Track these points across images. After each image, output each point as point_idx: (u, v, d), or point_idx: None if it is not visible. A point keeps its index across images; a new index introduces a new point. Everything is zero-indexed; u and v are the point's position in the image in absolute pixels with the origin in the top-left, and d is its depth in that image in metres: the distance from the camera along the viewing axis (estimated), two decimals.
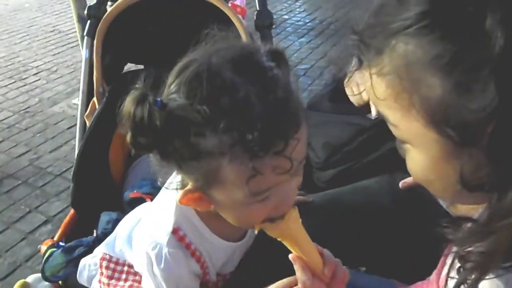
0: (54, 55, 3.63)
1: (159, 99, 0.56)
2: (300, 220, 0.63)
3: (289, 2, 4.66)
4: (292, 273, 0.63)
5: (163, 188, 0.71)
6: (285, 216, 0.62)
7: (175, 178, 0.68)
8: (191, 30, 1.22)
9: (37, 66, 3.42)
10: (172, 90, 0.58)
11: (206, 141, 0.54)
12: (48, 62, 3.50)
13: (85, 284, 0.84)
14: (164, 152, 0.58)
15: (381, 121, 1.07)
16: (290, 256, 0.63)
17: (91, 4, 1.27)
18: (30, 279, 0.86)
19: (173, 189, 0.67)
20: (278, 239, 0.63)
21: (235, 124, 0.53)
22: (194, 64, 0.57)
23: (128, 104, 0.57)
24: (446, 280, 0.44)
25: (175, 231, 0.69)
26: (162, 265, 0.67)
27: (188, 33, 1.22)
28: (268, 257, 0.75)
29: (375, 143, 1.05)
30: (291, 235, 0.62)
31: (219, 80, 0.55)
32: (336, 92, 1.16)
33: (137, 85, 0.59)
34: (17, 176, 2.20)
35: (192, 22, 1.22)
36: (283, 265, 0.65)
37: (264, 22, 1.17)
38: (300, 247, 0.62)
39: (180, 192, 0.64)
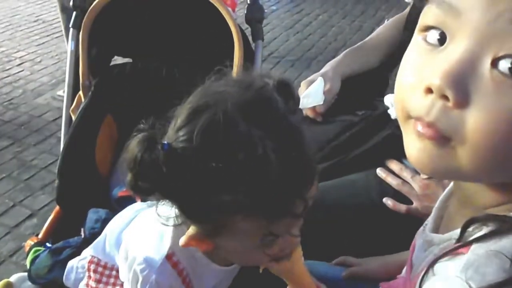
0: (38, 45, 3.55)
1: (166, 143, 0.52)
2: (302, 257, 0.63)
3: None
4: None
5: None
6: (291, 256, 0.61)
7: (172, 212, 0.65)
8: (180, 22, 1.21)
9: (21, 57, 3.34)
10: (182, 137, 0.53)
11: (220, 198, 0.52)
12: (32, 52, 3.42)
13: (71, 287, 0.83)
14: (168, 197, 0.56)
15: (368, 116, 1.08)
16: None
17: None
18: (13, 278, 0.84)
19: (170, 226, 0.64)
20: (280, 276, 0.63)
21: (253, 184, 0.51)
22: (207, 111, 0.53)
23: (134, 147, 0.53)
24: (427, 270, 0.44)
25: (169, 257, 0.66)
26: None
27: (177, 26, 1.21)
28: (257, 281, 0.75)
29: (362, 138, 1.05)
30: (293, 272, 0.62)
31: (236, 133, 0.51)
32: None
33: (142, 126, 0.55)
34: (0, 170, 2.15)
35: (181, 14, 1.20)
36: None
37: (255, 16, 1.16)
38: (299, 283, 0.63)
39: (184, 238, 0.62)
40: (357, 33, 3.73)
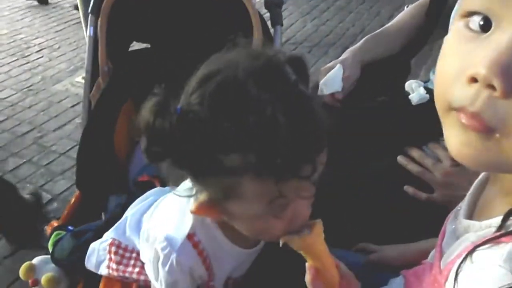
0: (56, 32, 3.59)
1: (178, 107, 0.53)
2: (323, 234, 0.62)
3: None
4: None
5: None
6: (311, 230, 0.60)
7: (186, 184, 0.66)
8: (198, 7, 1.20)
9: (40, 44, 3.38)
10: (194, 101, 0.54)
11: (229, 159, 0.53)
12: (51, 39, 3.46)
13: (93, 269, 0.84)
14: (180, 163, 0.56)
15: (388, 102, 1.06)
16: (306, 265, 0.62)
17: None
18: (36, 260, 0.86)
19: (184, 197, 0.65)
20: (300, 252, 0.62)
21: (262, 145, 0.51)
22: (219, 75, 0.54)
23: (146, 112, 0.54)
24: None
25: (190, 237, 0.67)
26: (166, 268, 0.67)
27: (195, 10, 1.20)
28: (277, 262, 0.75)
29: (382, 125, 1.04)
30: (314, 248, 0.61)
31: (246, 95, 0.52)
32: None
33: (156, 91, 0.56)
34: (21, 155, 2.19)
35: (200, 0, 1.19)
36: (293, 270, 0.65)
37: (275, 1, 1.14)
38: (320, 260, 0.61)
39: (194, 204, 0.62)
40: (375, 19, 3.67)
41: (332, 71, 1.06)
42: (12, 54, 3.20)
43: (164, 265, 0.67)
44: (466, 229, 0.49)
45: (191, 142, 0.53)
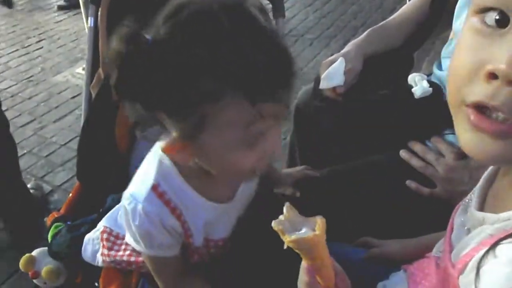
0: (56, 22, 3.56)
1: (150, 37, 0.54)
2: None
3: None
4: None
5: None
6: (317, 227, 0.57)
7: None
8: None
9: (39, 34, 3.36)
10: (165, 30, 0.54)
11: (205, 84, 0.53)
12: (50, 30, 3.44)
13: (89, 260, 0.84)
14: (152, 99, 0.56)
15: (390, 96, 1.06)
16: (303, 265, 0.60)
17: None
18: (35, 253, 0.86)
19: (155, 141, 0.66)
20: (300, 251, 0.58)
21: (238, 69, 0.52)
22: (191, 7, 0.54)
23: (117, 42, 0.54)
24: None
25: (154, 188, 0.67)
26: (137, 221, 0.67)
27: None
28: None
29: (384, 118, 1.03)
30: (318, 246, 0.57)
31: (219, 25, 0.52)
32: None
33: (126, 22, 0.56)
34: (21, 146, 2.19)
35: None
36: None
37: None
38: (321, 259, 0.58)
39: (165, 142, 0.62)
40: (377, 11, 3.64)
41: (334, 64, 1.05)
42: (12, 45, 3.18)
43: (134, 219, 0.67)
44: (480, 222, 0.48)
45: (164, 71, 0.53)
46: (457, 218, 0.54)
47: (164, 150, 0.63)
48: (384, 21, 1.18)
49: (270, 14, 1.16)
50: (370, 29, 1.15)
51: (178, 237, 0.71)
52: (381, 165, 1.00)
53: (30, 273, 0.83)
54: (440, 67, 1.06)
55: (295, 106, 1.19)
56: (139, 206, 0.66)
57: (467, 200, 0.55)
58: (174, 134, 0.60)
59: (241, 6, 0.56)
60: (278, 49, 0.57)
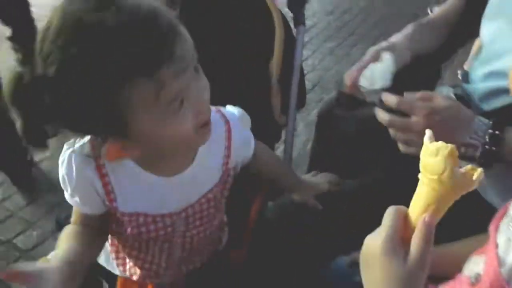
0: None
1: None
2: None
3: None
4: None
5: None
6: (476, 176, 0.49)
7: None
8: (219, 4, 1.19)
9: None
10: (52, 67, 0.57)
11: (99, 84, 0.56)
12: None
13: (104, 264, 0.86)
14: (72, 125, 0.61)
15: None
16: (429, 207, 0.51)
17: None
18: (51, 255, 0.86)
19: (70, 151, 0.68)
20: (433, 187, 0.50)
21: (119, 56, 0.55)
22: (48, 24, 0.57)
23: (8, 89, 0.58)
24: None
25: (92, 142, 0.69)
26: (64, 168, 0.69)
27: (215, 7, 1.19)
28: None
29: None
30: (457, 192, 0.49)
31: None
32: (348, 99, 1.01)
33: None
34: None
35: None
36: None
37: (299, 0, 1.12)
38: (444, 207, 0.51)
39: (104, 151, 0.66)
40: (398, 20, 3.61)
41: (382, 62, 0.90)
42: None
43: (63, 166, 0.69)
44: None
45: (67, 98, 0.57)
46: (501, 235, 0.53)
47: (110, 159, 0.67)
48: (426, 18, 1.11)
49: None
50: (413, 24, 1.05)
51: (97, 196, 0.71)
52: (403, 178, 0.96)
53: None
54: (466, 79, 1.01)
55: (317, 114, 1.18)
56: (72, 154, 0.69)
57: (509, 217, 0.53)
58: (107, 142, 0.64)
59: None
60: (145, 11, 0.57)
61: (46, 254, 0.97)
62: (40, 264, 0.64)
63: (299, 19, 1.13)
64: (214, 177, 0.77)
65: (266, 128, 0.84)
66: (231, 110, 0.80)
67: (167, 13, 0.59)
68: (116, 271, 0.84)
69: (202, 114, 0.64)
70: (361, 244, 0.61)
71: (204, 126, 0.65)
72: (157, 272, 0.82)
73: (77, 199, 0.71)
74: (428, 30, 1.05)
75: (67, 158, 0.68)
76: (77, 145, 0.68)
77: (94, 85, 0.55)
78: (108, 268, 0.85)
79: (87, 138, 0.69)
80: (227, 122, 0.77)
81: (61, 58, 0.55)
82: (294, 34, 1.16)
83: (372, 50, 0.94)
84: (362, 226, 0.83)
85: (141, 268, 0.81)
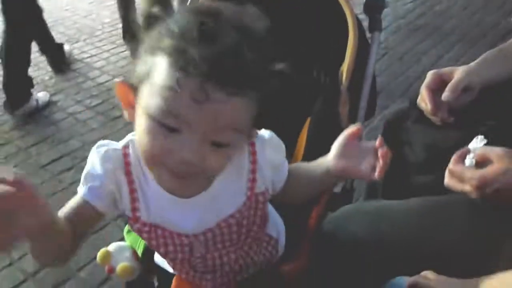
0: None
1: None
2: None
3: None
4: None
5: None
6: None
7: None
8: (290, 7, 1.16)
9: None
10: None
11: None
12: None
13: (160, 264, 0.86)
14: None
15: (498, 128, 0.94)
16: None
17: None
18: (111, 247, 0.88)
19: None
20: None
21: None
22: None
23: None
24: None
25: (124, 147, 0.70)
26: (93, 157, 0.69)
27: (286, 10, 1.17)
28: None
29: None
30: None
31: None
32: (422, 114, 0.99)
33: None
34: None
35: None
36: None
37: (377, 4, 1.07)
38: None
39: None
40: (477, 27, 3.40)
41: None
42: (112, 42, 3.41)
43: (92, 156, 0.69)
44: None
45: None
46: None
47: (117, 85, 0.67)
48: (503, 45, 1.05)
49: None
50: (488, 52, 1.01)
51: (116, 200, 0.70)
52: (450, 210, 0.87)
53: (106, 268, 0.86)
54: None
55: (384, 124, 1.13)
56: (104, 148, 0.69)
57: None
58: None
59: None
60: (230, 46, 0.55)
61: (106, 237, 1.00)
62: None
63: (375, 25, 1.08)
64: (237, 201, 0.73)
65: (332, 137, 0.80)
66: (260, 132, 0.74)
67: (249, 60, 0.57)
68: (171, 270, 0.84)
69: (177, 158, 0.59)
70: (423, 266, 0.57)
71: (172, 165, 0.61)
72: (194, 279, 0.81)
73: (94, 190, 0.68)
74: (503, 57, 0.98)
75: (103, 152, 0.68)
76: (112, 146, 0.70)
77: None
78: (164, 267, 0.85)
79: (122, 143, 0.70)
80: (252, 144, 0.73)
81: None
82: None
83: (432, 73, 0.92)
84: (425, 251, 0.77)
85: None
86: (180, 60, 0.54)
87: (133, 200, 0.70)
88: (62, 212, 0.68)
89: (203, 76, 0.54)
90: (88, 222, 0.70)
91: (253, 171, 0.72)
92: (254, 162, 0.72)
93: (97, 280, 1.58)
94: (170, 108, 0.56)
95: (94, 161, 0.69)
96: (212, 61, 0.53)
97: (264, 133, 0.76)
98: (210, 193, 0.71)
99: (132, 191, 0.70)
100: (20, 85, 2.49)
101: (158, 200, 0.70)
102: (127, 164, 0.69)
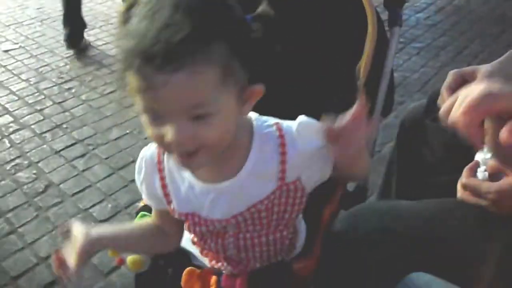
0: None
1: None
2: None
3: None
4: None
5: None
6: None
7: None
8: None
9: None
10: None
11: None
12: None
13: (186, 246, 0.88)
14: None
15: None
16: None
17: None
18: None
19: None
20: None
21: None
22: None
23: None
24: None
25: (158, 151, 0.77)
26: (138, 169, 0.78)
27: (305, 4, 1.15)
28: None
29: None
30: None
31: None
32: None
33: None
34: (125, 126, 2.34)
35: None
36: None
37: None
38: None
39: None
40: (498, 23, 3.32)
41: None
42: None
43: (137, 167, 0.79)
44: None
45: None
46: None
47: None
48: None
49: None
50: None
51: (157, 193, 0.78)
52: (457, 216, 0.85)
53: (116, 259, 0.87)
54: None
55: (400, 122, 1.10)
56: (142, 155, 0.78)
57: None
58: None
59: None
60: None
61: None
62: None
63: (395, 20, 1.05)
64: (266, 188, 0.75)
65: None
66: (290, 124, 0.74)
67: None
68: (198, 254, 0.87)
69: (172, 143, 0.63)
70: (435, 266, 0.56)
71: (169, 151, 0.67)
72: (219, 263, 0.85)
73: (149, 197, 0.80)
74: None
75: (138, 164, 0.78)
76: (148, 152, 0.78)
77: None
78: (190, 250, 0.90)
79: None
80: (281, 136, 0.73)
81: None
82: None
83: (453, 73, 0.86)
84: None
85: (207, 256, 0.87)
86: (128, 59, 0.59)
87: (166, 194, 0.77)
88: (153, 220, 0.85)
89: (143, 67, 0.58)
90: (172, 219, 0.80)
91: (283, 162, 0.73)
92: (283, 153, 0.73)
93: (108, 267, 1.60)
94: (144, 103, 0.62)
95: (136, 176, 0.79)
96: (140, 51, 0.57)
97: (293, 125, 0.74)
98: (241, 177, 0.74)
99: (164, 186, 0.77)
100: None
101: (190, 188, 0.76)
102: (159, 162, 0.76)
